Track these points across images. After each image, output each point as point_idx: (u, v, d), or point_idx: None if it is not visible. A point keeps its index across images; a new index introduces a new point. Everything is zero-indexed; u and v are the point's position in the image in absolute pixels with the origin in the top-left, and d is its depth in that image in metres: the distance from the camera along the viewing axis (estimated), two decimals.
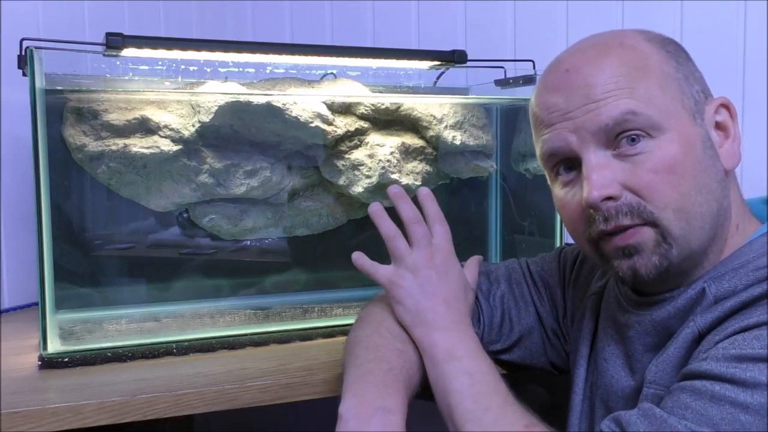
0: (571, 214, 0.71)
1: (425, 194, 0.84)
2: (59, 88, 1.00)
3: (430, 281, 0.79)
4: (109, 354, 0.93)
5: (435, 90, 1.30)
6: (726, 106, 0.70)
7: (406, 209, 0.82)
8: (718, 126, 0.70)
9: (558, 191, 0.73)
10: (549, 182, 0.76)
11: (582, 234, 0.71)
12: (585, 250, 0.74)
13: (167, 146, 1.03)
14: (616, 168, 0.67)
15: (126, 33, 0.98)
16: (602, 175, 0.67)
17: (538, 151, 0.74)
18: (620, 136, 0.67)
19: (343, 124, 1.12)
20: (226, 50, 1.06)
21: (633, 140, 0.66)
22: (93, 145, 1.01)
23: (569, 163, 0.71)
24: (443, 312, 0.78)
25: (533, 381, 1.19)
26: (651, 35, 0.71)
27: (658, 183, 0.66)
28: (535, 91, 0.74)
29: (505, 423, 0.67)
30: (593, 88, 0.67)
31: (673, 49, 0.70)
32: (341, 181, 1.14)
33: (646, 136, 0.66)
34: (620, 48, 0.69)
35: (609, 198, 0.66)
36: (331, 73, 1.19)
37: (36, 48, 0.89)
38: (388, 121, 1.18)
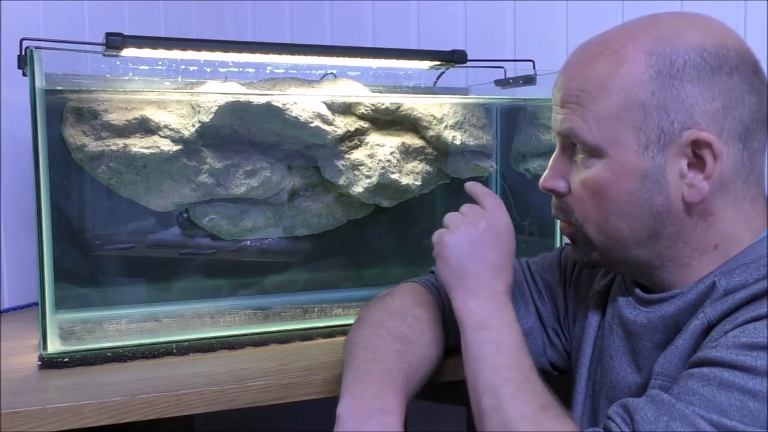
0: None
1: (470, 185, 0.85)
2: (59, 88, 1.01)
3: (481, 244, 0.78)
4: (109, 354, 0.93)
5: (435, 90, 1.30)
6: (709, 145, 0.65)
7: (476, 187, 0.84)
8: (697, 157, 0.66)
9: None
10: None
11: None
12: None
13: (167, 146, 1.03)
14: (568, 168, 0.73)
15: (126, 33, 0.98)
16: (553, 169, 0.74)
17: None
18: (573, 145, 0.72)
19: (343, 124, 1.12)
20: (226, 50, 1.06)
21: (583, 150, 0.70)
22: (93, 145, 1.01)
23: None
24: (487, 279, 0.77)
25: None
26: (659, 48, 0.66)
27: (584, 198, 0.71)
28: None
29: (521, 398, 0.67)
30: (562, 93, 0.71)
31: (669, 70, 0.65)
32: (341, 181, 1.14)
33: (587, 154, 0.70)
34: (609, 58, 0.68)
35: (555, 192, 0.74)
36: (331, 73, 1.19)
37: (36, 48, 0.89)
38: (388, 121, 1.18)
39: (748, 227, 0.69)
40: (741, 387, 0.57)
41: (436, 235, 0.81)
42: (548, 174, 0.75)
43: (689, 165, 0.66)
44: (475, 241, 0.78)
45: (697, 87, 0.65)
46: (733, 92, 0.66)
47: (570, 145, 0.72)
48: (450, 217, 0.81)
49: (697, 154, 0.66)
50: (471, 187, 0.84)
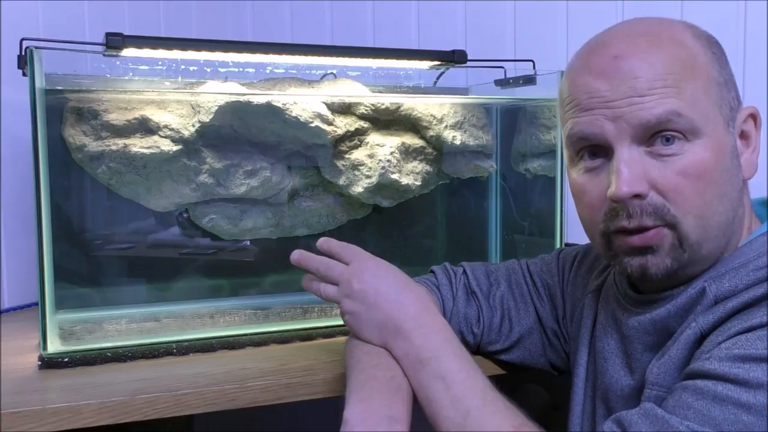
0: (591, 202, 0.70)
1: (320, 244, 0.86)
2: (59, 88, 1.00)
3: (370, 293, 0.78)
4: (109, 354, 0.93)
5: (435, 90, 1.30)
6: (754, 116, 0.70)
7: (314, 264, 0.84)
8: (743, 134, 0.70)
9: (578, 176, 0.71)
10: (567, 163, 0.74)
11: (596, 224, 0.70)
12: (594, 240, 0.72)
13: (167, 146, 1.03)
14: (648, 165, 0.66)
15: (126, 33, 0.98)
16: (633, 171, 0.66)
17: (566, 132, 0.71)
18: (657, 135, 0.66)
19: (343, 124, 1.12)
20: (226, 50, 1.06)
21: (668, 140, 0.65)
22: (93, 145, 1.01)
23: (595, 150, 0.69)
24: (396, 314, 0.76)
25: (533, 381, 1.19)
26: (699, 32, 0.69)
27: (685, 187, 0.65)
28: (572, 69, 0.71)
29: (488, 425, 0.66)
30: (641, 81, 0.65)
31: (717, 51, 0.69)
32: (341, 181, 1.14)
33: (682, 139, 0.65)
34: (671, 43, 0.67)
35: (636, 195, 0.65)
36: (331, 73, 1.19)
37: (36, 48, 0.89)
38: (388, 121, 1.18)
39: (748, 217, 0.71)
40: (735, 400, 0.56)
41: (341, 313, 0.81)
42: (623, 178, 0.65)
43: (740, 141, 0.69)
44: (364, 296, 0.78)
45: (730, 69, 0.70)
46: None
47: (647, 137, 0.66)
48: (329, 291, 0.82)
49: (743, 130, 0.69)
50: (324, 246, 0.84)
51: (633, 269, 0.68)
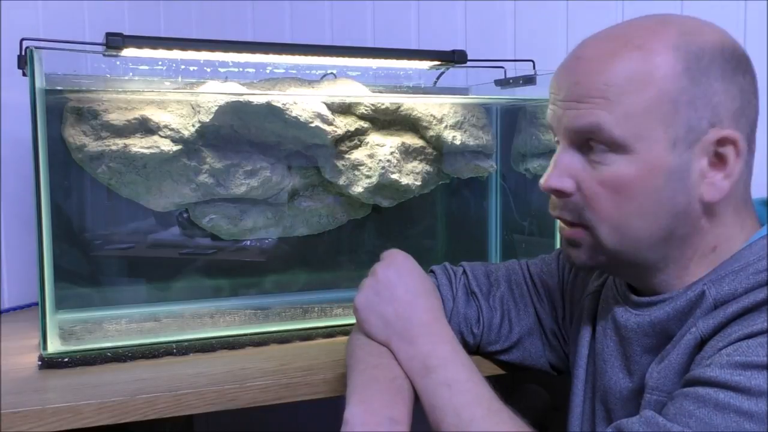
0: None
1: None
2: (59, 88, 1.01)
3: (386, 286, 0.79)
4: (109, 354, 0.93)
5: (435, 90, 1.30)
6: (733, 142, 0.65)
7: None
8: (718, 157, 0.66)
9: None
10: None
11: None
12: None
13: (167, 146, 1.03)
14: (579, 167, 0.69)
15: (126, 33, 0.97)
16: (561, 168, 0.70)
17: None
18: (588, 142, 0.68)
19: (343, 124, 1.12)
20: (226, 50, 1.06)
21: (595, 149, 0.67)
22: (93, 145, 1.01)
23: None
24: (409, 316, 0.77)
25: (533, 381, 1.19)
26: (684, 44, 0.65)
27: (601, 197, 0.67)
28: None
29: None
30: (580, 86, 0.67)
31: (698, 66, 0.65)
32: (341, 181, 1.14)
33: (608, 150, 0.66)
34: (634, 51, 0.65)
35: (559, 192, 0.70)
36: (331, 73, 1.19)
37: (36, 48, 0.89)
38: (388, 121, 1.18)
39: (741, 229, 0.69)
40: (737, 408, 0.56)
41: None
42: (552, 173, 0.70)
43: (710, 164, 0.66)
44: (380, 287, 0.79)
45: (722, 85, 0.65)
46: (746, 93, 0.67)
47: (582, 142, 0.68)
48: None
49: (718, 152, 0.66)
50: None
51: (566, 258, 0.75)
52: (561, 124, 0.69)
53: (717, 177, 0.66)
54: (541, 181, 0.71)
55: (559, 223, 0.74)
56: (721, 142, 0.65)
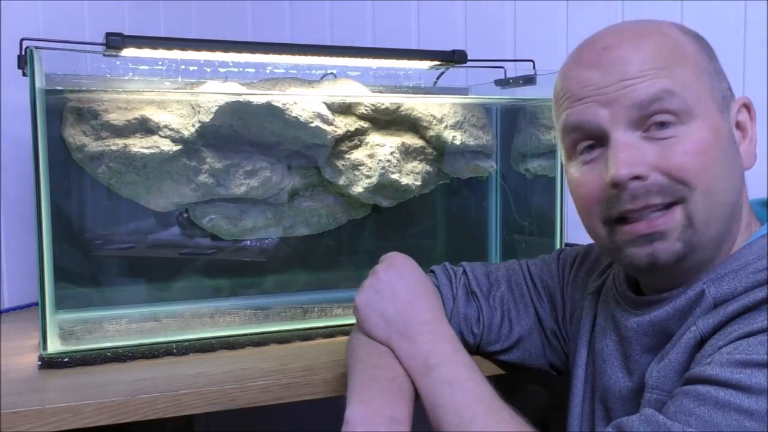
0: (589, 192, 0.69)
1: None
2: (59, 88, 1.01)
3: (387, 286, 0.79)
4: (109, 354, 0.93)
5: (435, 90, 1.30)
6: (747, 106, 0.71)
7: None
8: (739, 125, 0.70)
9: (574, 170, 0.71)
10: (564, 160, 0.74)
11: (597, 215, 0.69)
12: (595, 232, 0.71)
13: (167, 146, 1.03)
14: (645, 149, 0.66)
15: (126, 33, 0.97)
16: (631, 154, 0.65)
17: (559, 124, 0.71)
18: (651, 119, 0.65)
19: (343, 124, 1.12)
20: (226, 50, 1.06)
21: (663, 125, 0.65)
22: (93, 145, 1.01)
23: (592, 142, 0.69)
24: (410, 315, 0.77)
25: (533, 381, 1.19)
26: (686, 29, 0.71)
27: (690, 163, 0.65)
28: (563, 67, 0.72)
29: None
30: (631, 65, 0.66)
31: (705, 45, 0.71)
32: (341, 181, 1.14)
33: (676, 122, 0.65)
34: (657, 34, 0.69)
35: (637, 178, 0.65)
36: (331, 73, 1.19)
37: (36, 48, 0.89)
38: (388, 121, 1.18)
39: (746, 226, 0.71)
40: (737, 407, 0.56)
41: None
42: (626, 160, 0.65)
43: (737, 129, 0.70)
44: (381, 286, 0.79)
45: (719, 65, 0.71)
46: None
47: (641, 120, 0.65)
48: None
49: (738, 121, 0.70)
50: None
51: (640, 259, 0.67)
52: (615, 107, 0.66)
53: (744, 143, 0.70)
54: (612, 173, 0.65)
55: (630, 225, 0.67)
56: (739, 108, 0.70)
